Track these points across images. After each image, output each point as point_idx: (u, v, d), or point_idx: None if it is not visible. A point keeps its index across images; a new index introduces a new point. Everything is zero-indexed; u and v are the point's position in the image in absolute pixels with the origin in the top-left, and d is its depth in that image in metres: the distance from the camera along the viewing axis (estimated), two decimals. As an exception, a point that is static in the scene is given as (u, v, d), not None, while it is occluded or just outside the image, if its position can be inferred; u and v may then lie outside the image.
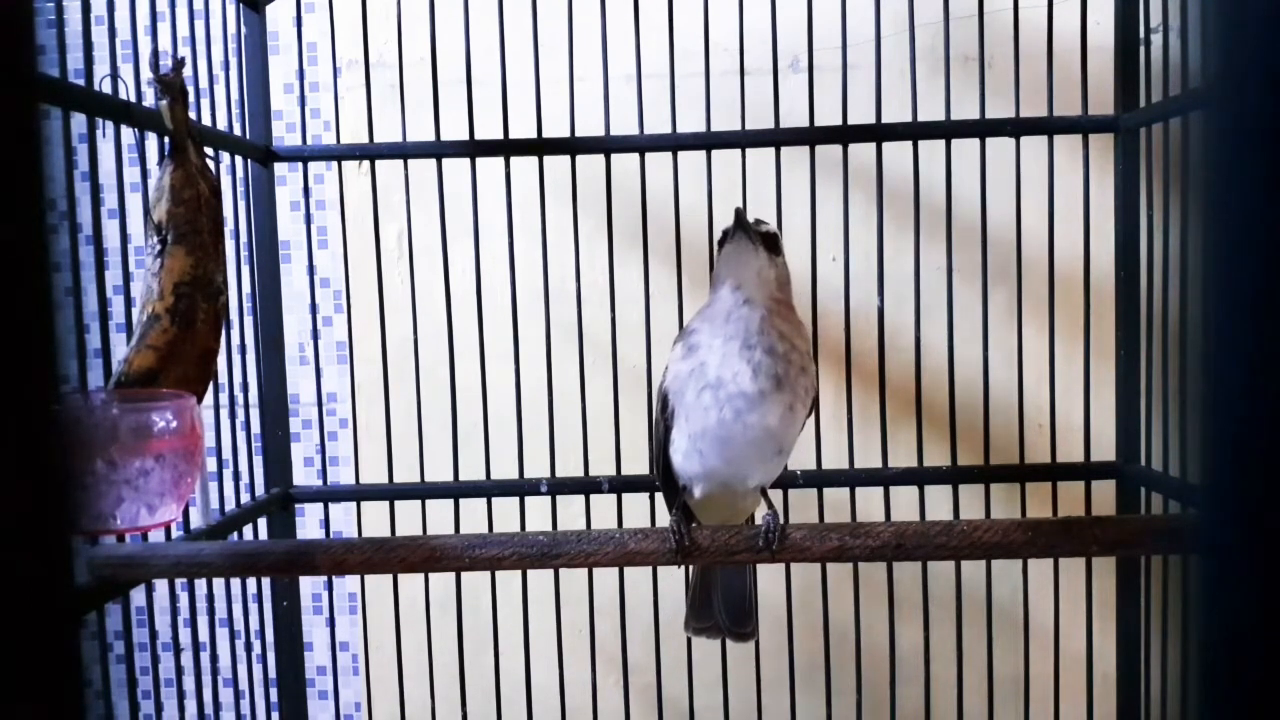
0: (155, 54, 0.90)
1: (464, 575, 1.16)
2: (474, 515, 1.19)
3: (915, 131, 1.15)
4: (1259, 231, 0.26)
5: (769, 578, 1.20)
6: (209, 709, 1.04)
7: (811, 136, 1.16)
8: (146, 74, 0.90)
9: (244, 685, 1.12)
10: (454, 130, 1.20)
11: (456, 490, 1.21)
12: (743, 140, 1.16)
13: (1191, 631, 0.27)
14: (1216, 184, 0.26)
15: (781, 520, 0.85)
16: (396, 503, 1.21)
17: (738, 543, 0.85)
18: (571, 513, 1.21)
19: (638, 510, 1.18)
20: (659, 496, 1.15)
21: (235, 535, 1.09)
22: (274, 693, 1.22)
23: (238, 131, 1.17)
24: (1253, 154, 0.26)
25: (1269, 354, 0.26)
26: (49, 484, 0.26)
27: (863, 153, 1.16)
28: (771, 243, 0.91)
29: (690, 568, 1.02)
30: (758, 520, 0.86)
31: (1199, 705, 0.27)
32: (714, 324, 0.89)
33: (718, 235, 0.94)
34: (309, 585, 1.42)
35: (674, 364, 0.91)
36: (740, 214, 0.91)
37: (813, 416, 1.17)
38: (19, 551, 0.26)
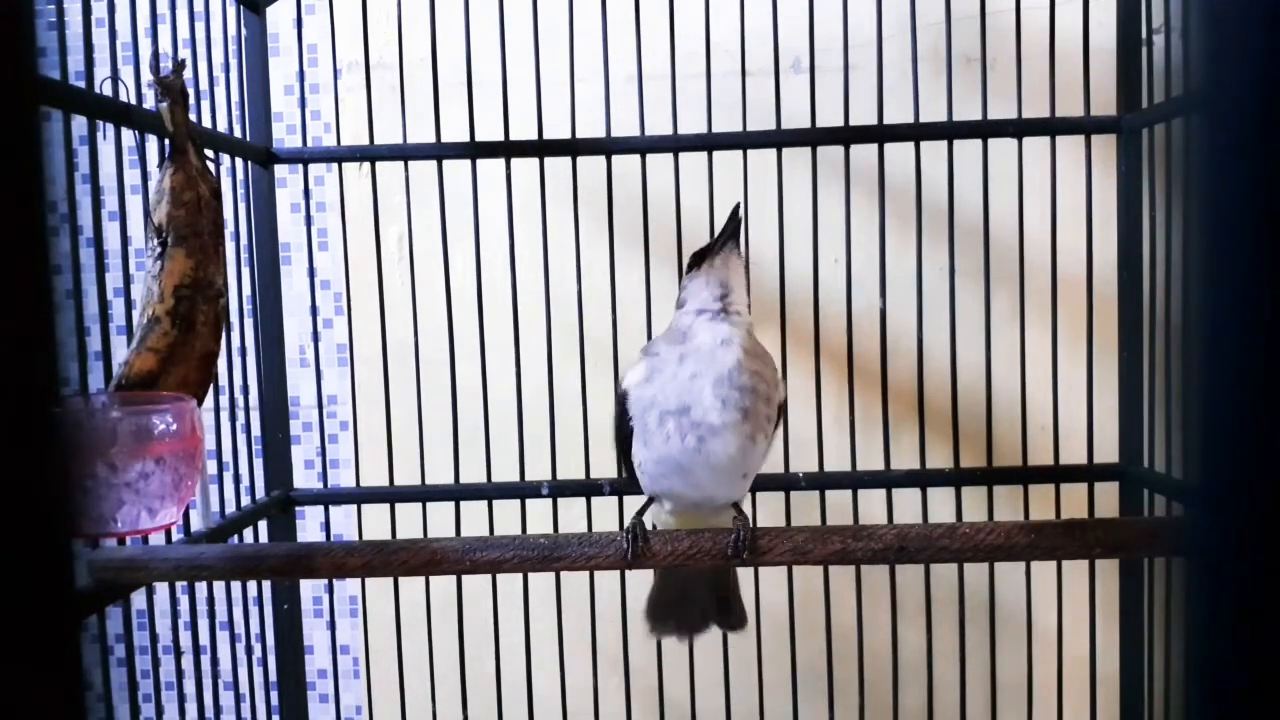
0: (155, 56, 0.89)
1: (465, 578, 1.16)
2: (475, 518, 1.19)
3: (917, 132, 1.15)
4: (1246, 233, 0.26)
5: (771, 580, 1.19)
6: (210, 712, 1.04)
7: (813, 137, 1.16)
8: (147, 76, 0.90)
9: (245, 688, 1.12)
10: (454, 132, 1.19)
11: (457, 493, 1.20)
12: (744, 141, 1.16)
13: (1185, 632, 0.27)
14: (1204, 186, 0.26)
15: (751, 526, 0.84)
16: (397, 505, 1.21)
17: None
18: (573, 515, 1.21)
19: (639, 512, 1.17)
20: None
21: (235, 538, 1.09)
22: (275, 696, 1.22)
23: (238, 133, 1.17)
24: (1238, 156, 0.25)
25: (1255, 354, 0.26)
26: (50, 487, 0.26)
27: (865, 154, 1.16)
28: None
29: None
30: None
31: (1192, 706, 0.27)
32: (685, 355, 0.85)
33: (690, 251, 0.92)
34: (310, 588, 1.41)
35: (637, 384, 0.88)
36: (739, 218, 0.89)
37: (814, 418, 1.17)
38: (20, 554, 0.25)
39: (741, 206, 0.90)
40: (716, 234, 0.91)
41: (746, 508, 0.92)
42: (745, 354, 0.85)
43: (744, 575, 1.16)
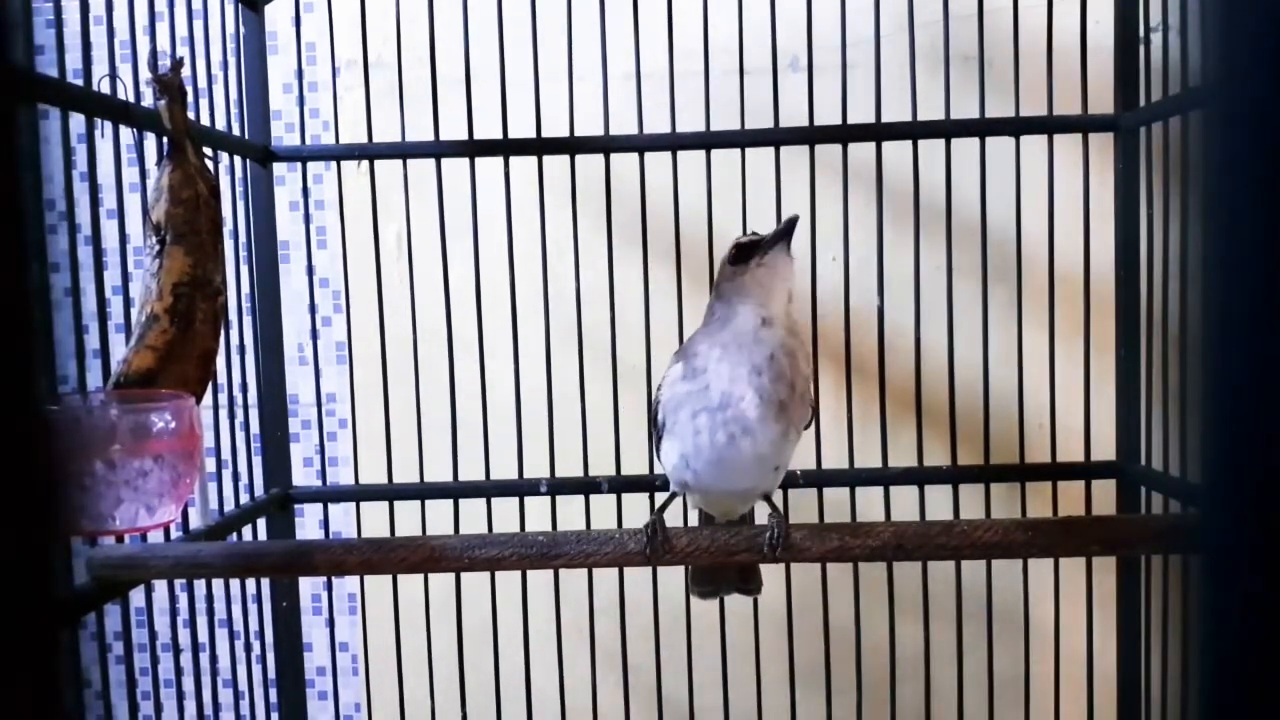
0: (154, 54, 0.89)
1: (464, 576, 1.16)
2: (473, 516, 1.19)
3: (915, 131, 1.15)
4: (1258, 230, 0.26)
5: (769, 578, 1.19)
6: (209, 710, 1.04)
7: (811, 136, 1.16)
8: (145, 74, 0.90)
9: (243, 686, 1.12)
10: (453, 130, 1.19)
11: (456, 490, 1.20)
12: (742, 140, 1.16)
13: (1192, 631, 0.27)
14: (1215, 182, 0.26)
15: (788, 523, 0.84)
16: (396, 503, 1.21)
17: (736, 544, 0.85)
18: (571, 513, 1.21)
19: (637, 510, 1.17)
20: (659, 496, 1.15)
21: (234, 536, 1.09)
22: (273, 693, 1.22)
23: (236, 131, 1.17)
24: (1251, 152, 0.25)
25: (1268, 353, 0.26)
26: (47, 485, 0.26)
27: (862, 152, 1.16)
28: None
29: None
30: (759, 520, 0.86)
31: (1200, 706, 0.27)
32: (726, 347, 0.85)
33: (728, 243, 0.91)
34: (308, 586, 1.42)
35: (673, 382, 0.88)
36: (793, 224, 0.88)
37: (813, 417, 1.17)
38: (17, 553, 0.25)
39: (798, 218, 0.89)
40: (773, 231, 0.89)
41: (778, 499, 0.92)
42: (783, 349, 0.85)
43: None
